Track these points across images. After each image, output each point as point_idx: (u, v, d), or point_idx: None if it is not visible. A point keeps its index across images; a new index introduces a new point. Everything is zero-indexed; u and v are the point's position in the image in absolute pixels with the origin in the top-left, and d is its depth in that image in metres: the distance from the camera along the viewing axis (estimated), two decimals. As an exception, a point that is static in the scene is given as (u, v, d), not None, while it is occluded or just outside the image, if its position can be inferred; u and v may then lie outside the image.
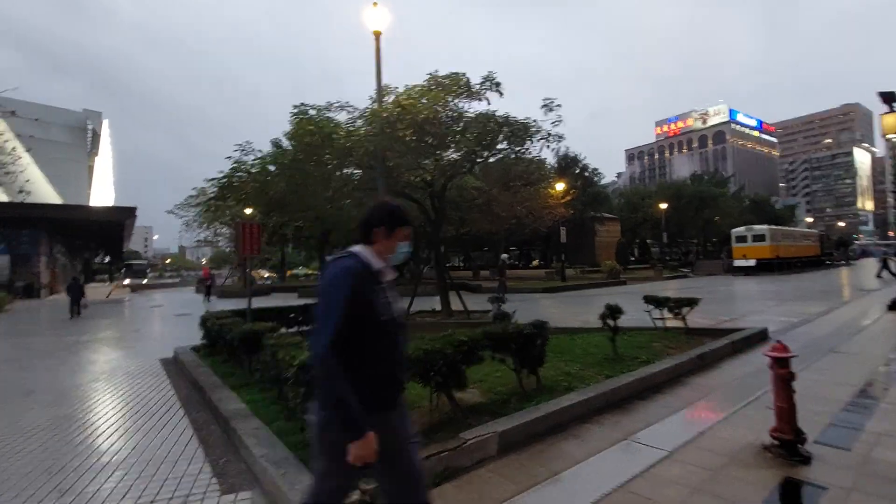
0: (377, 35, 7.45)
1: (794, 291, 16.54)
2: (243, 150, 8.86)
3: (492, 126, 7.23)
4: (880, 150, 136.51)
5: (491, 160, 8.83)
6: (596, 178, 36.13)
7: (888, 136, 9.82)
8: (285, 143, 23.92)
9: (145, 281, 42.70)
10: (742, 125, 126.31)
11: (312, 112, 7.91)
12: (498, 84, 7.00)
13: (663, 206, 35.50)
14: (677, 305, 7.37)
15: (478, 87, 7.12)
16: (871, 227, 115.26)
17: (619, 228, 37.47)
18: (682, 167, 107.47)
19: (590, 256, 34.37)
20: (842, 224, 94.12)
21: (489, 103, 7.09)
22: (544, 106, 6.91)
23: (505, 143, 7.52)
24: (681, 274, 29.91)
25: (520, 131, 7.13)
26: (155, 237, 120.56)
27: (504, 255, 19.62)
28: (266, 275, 44.57)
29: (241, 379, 5.23)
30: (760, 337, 7.27)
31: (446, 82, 7.71)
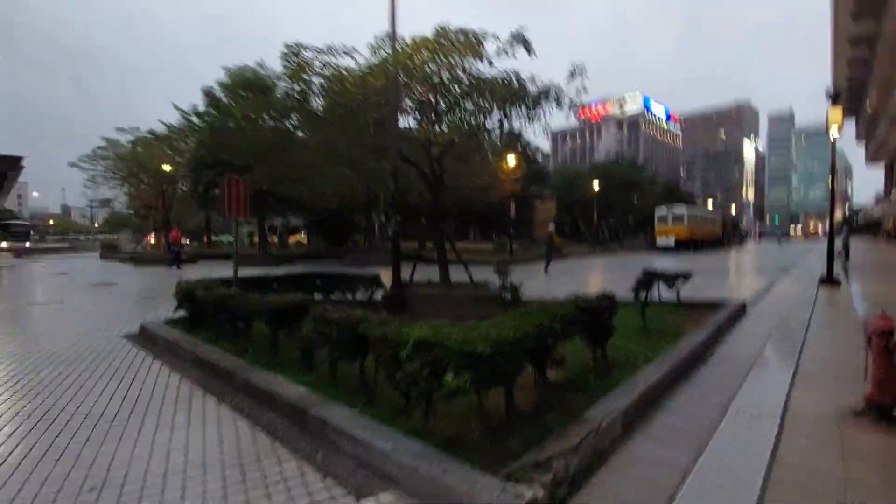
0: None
1: (720, 268, 18.47)
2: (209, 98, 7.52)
3: (517, 89, 6.83)
4: (763, 145, 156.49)
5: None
6: (536, 156, 37.05)
7: (832, 128, 10.98)
8: (219, 92, 21.31)
9: (28, 244, 36.39)
10: (653, 114, 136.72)
11: (309, 54, 6.87)
12: (528, 42, 6.57)
13: (596, 186, 37.49)
14: (673, 279, 7.73)
15: (503, 44, 6.63)
16: (751, 213, 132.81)
17: (556, 206, 39.06)
18: (603, 151, 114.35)
19: (529, 232, 35.52)
20: (732, 211, 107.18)
21: (516, 58, 6.64)
22: (572, 73, 6.64)
23: (524, 108, 7.15)
24: (611, 250, 32.10)
25: (546, 96, 6.80)
26: (34, 194, 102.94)
27: (551, 226, 19.85)
28: (185, 241, 40.28)
29: (259, 357, 4.51)
30: (741, 309, 7.90)
31: (461, 39, 7.10)
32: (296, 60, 6.80)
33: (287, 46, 6.85)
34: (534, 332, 3.16)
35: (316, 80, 6.71)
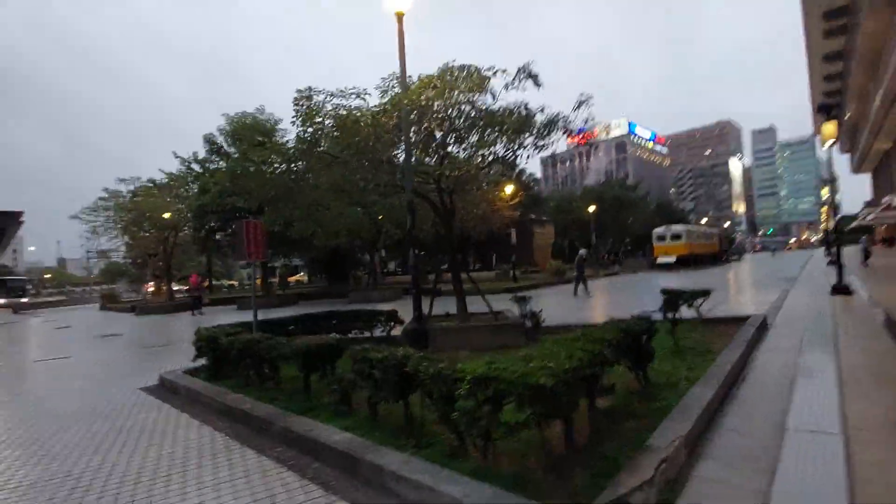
0: (400, 16, 6.88)
1: (725, 283, 18.47)
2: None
3: (524, 119, 6.98)
4: (748, 160, 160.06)
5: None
6: (532, 183, 37.64)
7: (826, 142, 11.25)
8: (220, 138, 21.72)
9: (26, 300, 35.95)
10: (639, 137, 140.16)
11: (320, 97, 7.03)
12: (535, 76, 6.78)
13: (592, 208, 37.93)
14: (693, 297, 7.69)
15: (511, 79, 6.82)
16: (744, 226, 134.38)
17: (553, 230, 39.35)
18: (592, 174, 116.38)
19: (528, 258, 35.62)
20: (726, 225, 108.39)
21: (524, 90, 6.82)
22: (581, 102, 6.81)
23: (531, 137, 7.30)
24: (612, 272, 32.12)
25: (554, 125, 6.96)
26: (30, 248, 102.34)
27: (582, 251, 19.58)
28: (177, 288, 39.94)
29: (292, 403, 4.38)
30: (763, 323, 7.84)
31: (465, 75, 7.32)
32: (307, 104, 6.94)
33: (298, 91, 7.02)
34: (588, 359, 3.09)
35: (328, 121, 6.82)
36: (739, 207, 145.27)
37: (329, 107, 7.11)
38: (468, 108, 7.28)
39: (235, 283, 44.89)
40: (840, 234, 12.90)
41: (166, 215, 22.89)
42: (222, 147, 19.51)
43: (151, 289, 34.51)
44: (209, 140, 20.71)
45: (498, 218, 26.09)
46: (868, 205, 53.71)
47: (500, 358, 3.02)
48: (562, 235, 42.51)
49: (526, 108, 6.98)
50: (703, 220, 71.91)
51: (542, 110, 6.88)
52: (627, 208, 44.99)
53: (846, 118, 59.51)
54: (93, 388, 6.29)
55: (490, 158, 7.89)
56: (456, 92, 7.22)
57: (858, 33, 34.75)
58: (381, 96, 7.56)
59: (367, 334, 8.05)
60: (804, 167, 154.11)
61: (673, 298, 6.11)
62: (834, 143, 11.03)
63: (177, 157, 21.41)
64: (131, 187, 23.00)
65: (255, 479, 3.16)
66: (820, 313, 8.65)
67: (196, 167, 20.04)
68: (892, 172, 47.45)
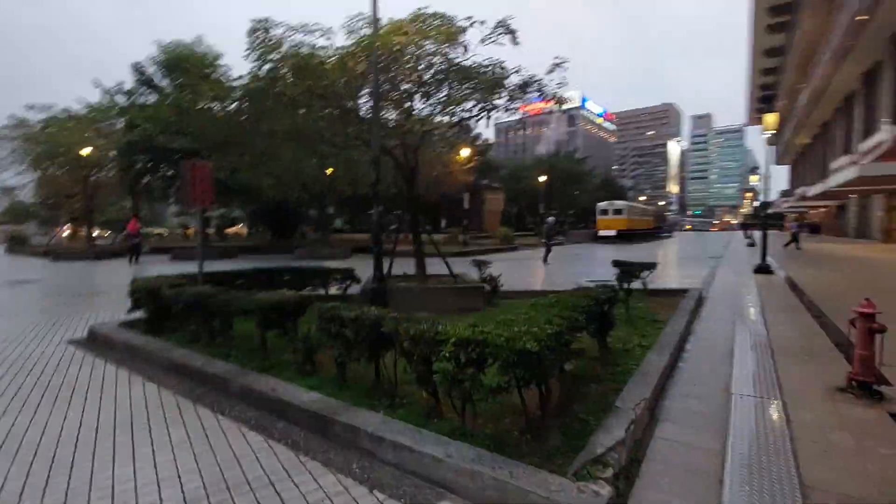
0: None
1: (661, 258, 19.75)
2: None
3: (499, 77, 6.74)
4: (686, 144, 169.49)
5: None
6: (486, 148, 37.49)
7: (767, 132, 12.01)
8: (151, 69, 19.30)
9: None
10: (590, 112, 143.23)
11: (279, 31, 6.34)
12: (513, 31, 6.49)
13: (542, 178, 38.66)
14: (641, 269, 8.11)
15: (488, 32, 6.50)
16: (675, 206, 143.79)
17: (504, 197, 39.82)
18: (543, 144, 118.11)
19: (479, 223, 35.97)
20: (661, 204, 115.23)
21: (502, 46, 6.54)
22: (555, 65, 6.66)
23: (504, 99, 7.10)
24: (558, 242, 33.29)
25: (529, 86, 6.78)
26: None
27: (550, 219, 19.19)
28: (97, 233, 36.33)
29: (248, 361, 4.14)
30: (700, 296, 8.47)
31: (438, 24, 6.90)
32: (264, 37, 6.26)
33: (255, 21, 6.29)
34: (566, 325, 3.13)
35: (290, 59, 6.20)
36: (673, 188, 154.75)
37: (288, 43, 6.47)
38: (440, 59, 6.92)
39: (164, 231, 41.57)
40: (761, 219, 14.13)
41: (85, 151, 20.39)
42: (152, 79, 17.36)
43: (67, 233, 31.23)
44: (139, 70, 18.35)
45: (452, 181, 25.95)
46: (784, 194, 59.31)
47: (481, 321, 2.98)
48: (512, 203, 43.20)
49: (501, 67, 6.75)
50: (642, 198, 75.95)
51: (517, 71, 6.68)
52: (575, 181, 46.40)
53: (775, 112, 63.92)
54: (9, 339, 5.60)
55: (459, 117, 7.64)
56: (428, 42, 6.82)
57: (797, 32, 36.96)
58: (347, 37, 6.98)
59: (321, 292, 7.77)
60: (733, 155, 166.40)
61: (628, 269, 6.37)
62: (774, 132, 11.78)
63: (98, 86, 18.86)
64: (42, 116, 20.09)
65: (217, 439, 2.97)
66: (747, 289, 9.48)
67: (122, 100, 17.75)
68: (807, 165, 52.34)
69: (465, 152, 23.91)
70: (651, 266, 8.14)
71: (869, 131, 28.90)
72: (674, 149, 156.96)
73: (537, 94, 7.03)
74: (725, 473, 2.50)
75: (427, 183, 22.60)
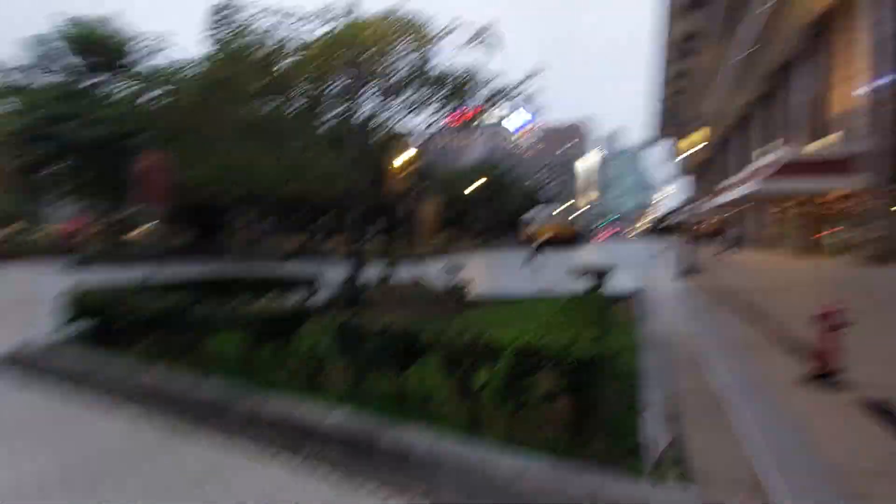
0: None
1: (594, 263, 21.11)
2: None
3: (468, 83, 6.77)
4: (598, 157, 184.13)
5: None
6: (422, 153, 37.51)
7: (681, 155, 13.37)
8: (56, 44, 16.59)
9: None
10: (516, 122, 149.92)
11: (247, 13, 5.82)
12: (494, 41, 6.54)
13: (474, 186, 39.59)
14: (602, 275, 8.59)
15: (467, 39, 6.49)
16: (588, 216, 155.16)
17: (439, 204, 40.11)
18: (471, 153, 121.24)
19: (413, 230, 35.85)
20: (576, 213, 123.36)
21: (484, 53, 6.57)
22: (532, 74, 6.82)
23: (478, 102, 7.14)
24: (492, 248, 34.31)
25: (499, 94, 6.87)
26: None
27: (531, 226, 18.88)
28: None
29: (234, 381, 3.71)
30: (642, 295, 9.17)
31: (413, 26, 6.80)
32: (231, 20, 5.72)
33: (219, 3, 5.72)
34: (599, 329, 3.20)
35: (268, 42, 5.72)
36: (588, 198, 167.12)
37: (256, 29, 5.97)
38: (419, 61, 6.81)
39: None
40: (668, 228, 15.71)
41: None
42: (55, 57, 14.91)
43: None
44: (43, 43, 15.55)
45: (393, 185, 25.63)
46: (687, 203, 66.66)
47: (528, 327, 2.94)
48: (448, 209, 43.66)
49: (472, 75, 6.82)
50: (562, 207, 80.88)
51: (486, 83, 6.78)
52: (505, 190, 48.19)
53: (675, 132, 71.53)
54: None
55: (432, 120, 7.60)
56: (407, 44, 6.70)
57: (696, 59, 41.80)
58: (321, 26, 6.59)
59: (283, 302, 7.23)
60: (636, 169, 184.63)
61: (601, 274, 6.72)
62: (700, 146, 13.16)
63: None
64: None
65: (247, 477, 2.59)
66: (687, 290, 10.44)
67: (19, 78, 14.89)
68: (709, 178, 59.23)
69: (406, 156, 23.71)
70: (609, 271, 8.68)
71: (763, 149, 33.52)
72: (589, 161, 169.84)
73: (510, 102, 7.15)
74: (750, 453, 2.70)
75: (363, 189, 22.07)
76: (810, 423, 3.20)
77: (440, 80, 6.71)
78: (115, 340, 4.57)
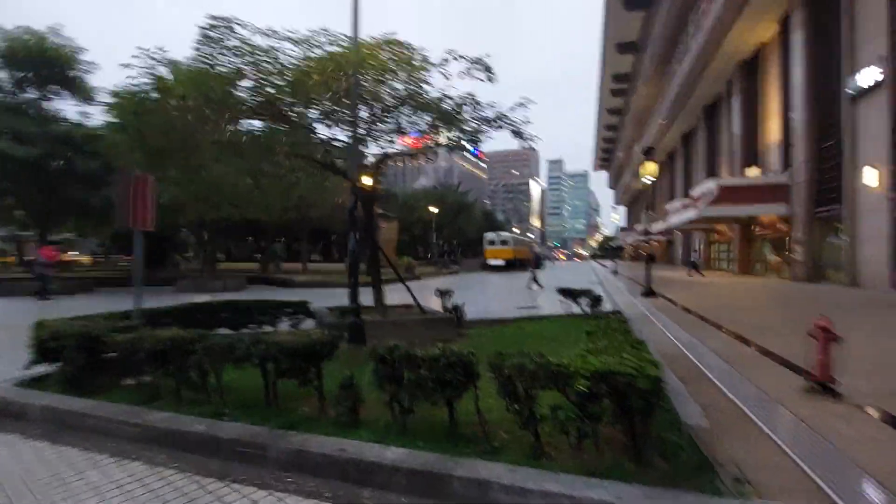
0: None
1: (552, 284, 21.72)
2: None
3: (457, 111, 6.89)
4: (544, 184, 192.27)
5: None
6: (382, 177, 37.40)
7: (645, 178, 14.26)
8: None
9: None
10: (465, 148, 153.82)
11: (242, 32, 5.59)
12: (489, 69, 6.68)
13: (434, 209, 39.90)
14: (580, 296, 8.83)
15: (467, 67, 6.59)
16: (538, 238, 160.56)
17: (398, 227, 39.92)
18: (424, 178, 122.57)
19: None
20: (531, 235, 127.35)
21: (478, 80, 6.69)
22: (520, 104, 7.01)
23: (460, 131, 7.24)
24: (453, 271, 34.42)
25: (490, 123, 7.01)
26: None
27: (536, 248, 18.42)
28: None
29: (254, 418, 3.40)
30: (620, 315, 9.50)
31: (409, 55, 6.87)
32: (230, 36, 5.49)
33: (214, 18, 5.48)
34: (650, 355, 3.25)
35: (266, 63, 5.50)
36: (536, 222, 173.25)
37: (251, 48, 5.75)
38: (413, 87, 6.84)
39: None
40: (608, 251, 16.64)
41: None
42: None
43: None
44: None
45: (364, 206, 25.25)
46: (622, 230, 70.80)
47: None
48: (404, 232, 43.51)
49: (476, 101, 6.94)
50: (516, 230, 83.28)
51: (489, 106, 6.93)
52: (463, 213, 48.93)
53: (616, 161, 76.53)
54: None
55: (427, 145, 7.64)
56: (400, 72, 6.72)
57: (634, 96, 45.18)
58: (308, 49, 6.47)
59: (268, 328, 6.80)
60: (580, 195, 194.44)
61: (597, 297, 6.90)
62: (651, 179, 14.06)
63: None
64: None
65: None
66: (652, 309, 10.93)
67: None
68: (642, 206, 63.14)
69: (366, 180, 23.50)
70: (587, 292, 8.94)
71: (689, 180, 36.43)
72: (535, 188, 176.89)
73: (506, 129, 7.30)
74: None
75: (329, 211, 21.67)
76: (834, 430, 3.39)
77: (427, 107, 6.78)
78: (94, 380, 4.07)
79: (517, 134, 7.11)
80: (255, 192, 7.42)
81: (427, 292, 14.99)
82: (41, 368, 4.32)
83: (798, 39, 18.19)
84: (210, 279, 16.62)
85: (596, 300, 7.11)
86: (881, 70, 13.74)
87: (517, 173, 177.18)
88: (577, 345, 6.26)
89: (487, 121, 7.41)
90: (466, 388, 3.02)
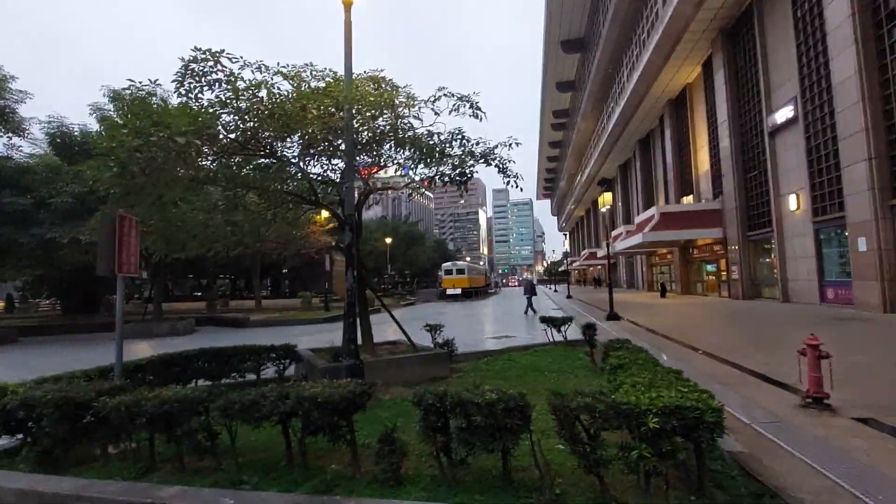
0: (348, 5, 6.01)
1: (517, 313, 22.01)
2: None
3: (441, 147, 6.97)
4: (490, 212, 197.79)
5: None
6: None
7: (602, 208, 15.05)
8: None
9: None
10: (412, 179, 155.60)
11: (235, 67, 5.37)
12: (476, 106, 6.80)
13: (388, 240, 39.59)
14: (562, 324, 8.98)
15: (455, 103, 6.67)
16: (486, 265, 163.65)
17: (351, 259, 39.09)
18: (374, 209, 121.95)
19: (329, 285, 34.20)
20: (482, 263, 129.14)
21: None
22: (507, 144, 7.16)
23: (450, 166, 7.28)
24: (409, 301, 33.96)
25: (478, 159, 7.11)
26: None
27: (527, 275, 17.81)
28: None
29: (275, 486, 3.07)
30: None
31: (395, 92, 6.91)
32: (215, 70, 5.25)
33: (199, 51, 5.22)
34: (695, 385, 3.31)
35: (261, 94, 5.28)
36: (484, 249, 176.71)
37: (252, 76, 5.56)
38: (403, 122, 6.85)
39: None
40: (562, 274, 17.35)
41: None
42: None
43: None
44: None
45: (312, 243, 24.40)
46: (565, 256, 73.80)
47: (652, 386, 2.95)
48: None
49: (463, 136, 7.04)
50: (468, 259, 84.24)
51: (476, 143, 7.03)
52: (415, 243, 48.91)
53: (558, 190, 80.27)
54: None
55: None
56: (388, 109, 6.73)
57: (574, 130, 48.12)
58: (297, 85, 6.33)
59: (251, 377, 6.28)
60: (525, 223, 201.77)
61: (591, 325, 7.03)
62: (608, 208, 14.86)
63: None
64: None
65: None
66: (619, 332, 11.32)
67: None
68: (583, 233, 66.42)
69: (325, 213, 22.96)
70: (569, 320, 9.12)
71: (627, 208, 38.93)
72: (482, 216, 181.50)
73: (493, 166, 7.39)
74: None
75: (289, 246, 20.84)
76: (853, 446, 3.61)
77: (417, 143, 6.81)
78: (70, 452, 3.51)
79: (502, 171, 7.24)
80: (227, 230, 6.95)
81: (389, 325, 14.64)
82: (1, 442, 3.68)
83: (720, 79, 20.38)
84: (157, 322, 15.21)
85: (589, 328, 7.23)
86: (792, 109, 15.66)
87: (464, 202, 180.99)
88: (581, 377, 6.38)
89: (475, 156, 7.49)
90: (522, 432, 2.92)
